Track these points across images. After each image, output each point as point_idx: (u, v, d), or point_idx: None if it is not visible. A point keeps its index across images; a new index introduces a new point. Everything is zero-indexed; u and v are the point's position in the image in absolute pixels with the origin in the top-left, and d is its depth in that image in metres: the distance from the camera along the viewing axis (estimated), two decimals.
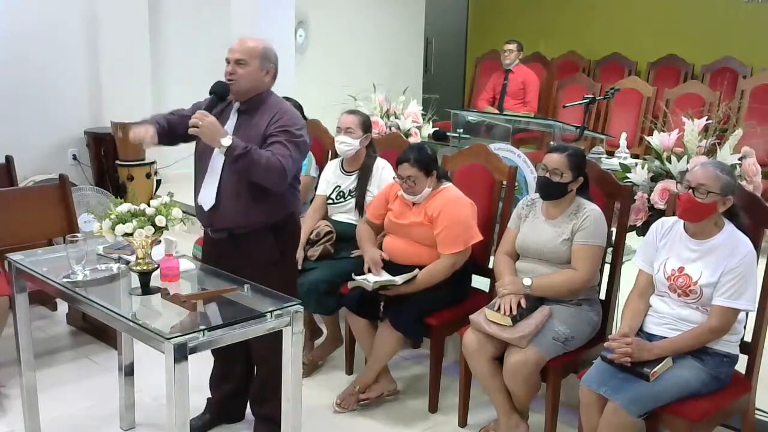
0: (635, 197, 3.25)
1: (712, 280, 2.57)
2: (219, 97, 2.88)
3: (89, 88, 5.77)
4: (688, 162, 3.22)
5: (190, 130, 2.77)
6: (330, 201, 3.78)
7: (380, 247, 3.40)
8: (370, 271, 3.27)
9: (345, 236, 3.65)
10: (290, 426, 2.58)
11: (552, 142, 4.88)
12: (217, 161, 2.86)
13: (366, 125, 3.69)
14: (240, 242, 2.88)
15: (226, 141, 2.72)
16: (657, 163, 3.37)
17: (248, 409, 3.24)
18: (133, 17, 5.80)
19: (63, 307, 4.29)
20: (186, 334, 2.23)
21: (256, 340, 2.76)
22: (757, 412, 2.85)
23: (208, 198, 2.88)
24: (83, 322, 4.11)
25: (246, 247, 2.88)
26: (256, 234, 2.88)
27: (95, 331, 4.02)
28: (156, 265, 2.59)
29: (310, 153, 4.04)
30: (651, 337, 2.68)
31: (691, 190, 2.57)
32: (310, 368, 3.64)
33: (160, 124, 2.93)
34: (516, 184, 3.68)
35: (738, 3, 6.95)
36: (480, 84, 7.79)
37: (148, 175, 5.43)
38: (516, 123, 5.45)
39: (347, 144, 3.66)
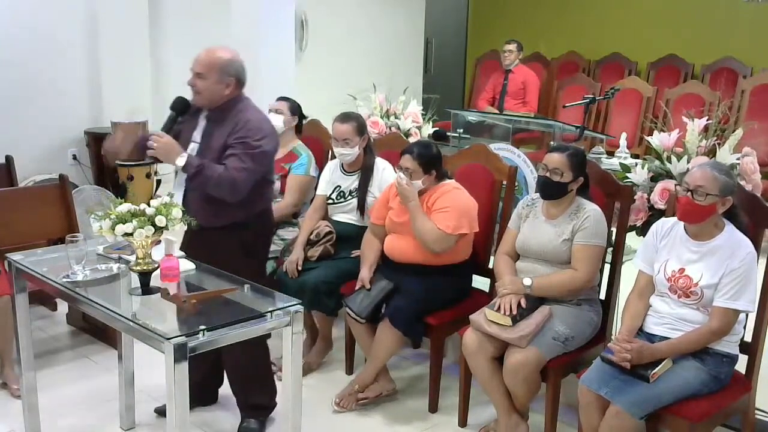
0: (635, 197, 3.25)
1: (712, 282, 2.57)
2: (177, 113, 3.02)
3: (89, 88, 5.76)
4: (688, 162, 3.22)
5: (149, 152, 2.92)
6: (330, 201, 3.78)
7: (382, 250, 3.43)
8: (363, 287, 3.32)
9: (345, 236, 3.65)
10: (290, 426, 2.58)
11: (552, 142, 4.88)
12: None
13: (361, 129, 3.68)
14: (205, 237, 2.95)
15: (180, 161, 2.90)
16: (657, 163, 3.37)
17: (221, 392, 3.36)
18: (133, 17, 5.79)
19: (63, 307, 4.30)
20: (186, 334, 2.23)
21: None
22: (757, 412, 2.85)
23: (178, 193, 3.01)
24: (83, 322, 4.12)
25: (209, 242, 2.95)
26: (217, 232, 2.97)
27: (95, 331, 4.02)
28: (156, 265, 2.59)
29: (310, 153, 4.05)
30: (651, 337, 2.68)
31: (689, 193, 2.57)
32: (305, 371, 3.63)
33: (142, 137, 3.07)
34: (516, 184, 3.68)
35: (738, 3, 6.95)
36: (480, 84, 7.80)
37: (148, 175, 5.36)
38: (516, 123, 5.45)
39: (347, 154, 3.67)
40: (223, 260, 2.84)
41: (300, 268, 3.57)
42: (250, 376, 3.18)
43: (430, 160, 3.27)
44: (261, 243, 3.21)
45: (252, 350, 3.07)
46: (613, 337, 2.71)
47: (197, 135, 3.03)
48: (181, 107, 3.02)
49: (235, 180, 2.88)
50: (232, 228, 2.98)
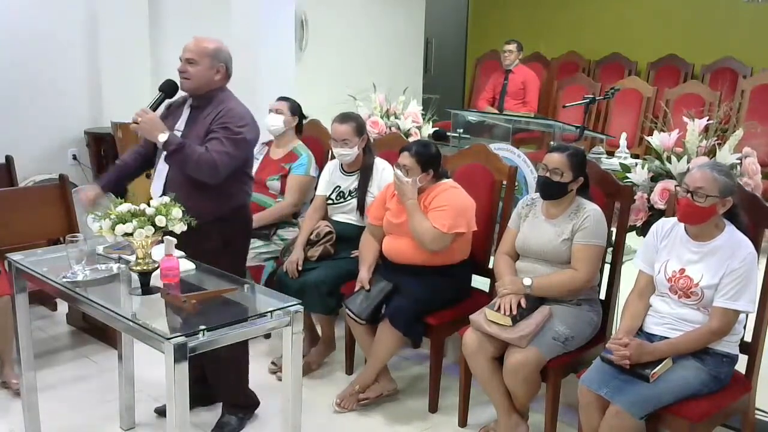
0: (635, 197, 3.25)
1: (713, 282, 2.56)
2: (167, 95, 3.07)
3: (89, 88, 5.76)
4: (688, 162, 3.22)
5: (131, 126, 2.97)
6: (330, 201, 3.77)
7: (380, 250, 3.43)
8: (362, 288, 3.32)
9: (345, 236, 3.65)
10: (290, 426, 2.58)
11: (552, 142, 4.88)
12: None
13: (360, 130, 3.68)
14: (184, 233, 2.86)
15: (162, 137, 2.91)
16: (657, 163, 3.37)
17: None
18: (133, 17, 5.79)
19: (63, 307, 4.30)
20: (186, 334, 2.23)
21: None
22: (757, 412, 2.85)
23: (156, 187, 3.05)
24: (83, 322, 4.12)
25: (191, 235, 2.86)
26: (199, 226, 2.87)
27: (95, 331, 4.02)
28: (156, 265, 2.59)
29: (310, 153, 4.05)
30: (651, 337, 2.68)
31: (689, 194, 2.57)
32: (305, 371, 3.63)
33: (107, 177, 3.23)
34: (516, 184, 3.68)
35: (738, 3, 6.95)
36: (480, 84, 7.80)
37: (148, 175, 5.40)
38: (516, 123, 5.45)
39: (346, 154, 3.67)
40: (203, 255, 2.86)
41: (300, 268, 3.57)
42: (233, 373, 3.19)
43: (428, 159, 3.27)
44: (241, 238, 3.23)
45: (240, 347, 3.07)
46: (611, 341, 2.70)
47: (181, 124, 3.08)
48: (169, 89, 3.07)
49: (215, 162, 2.91)
50: (212, 223, 2.98)
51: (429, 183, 3.30)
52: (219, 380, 3.19)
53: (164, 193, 2.94)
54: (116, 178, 3.23)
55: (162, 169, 3.06)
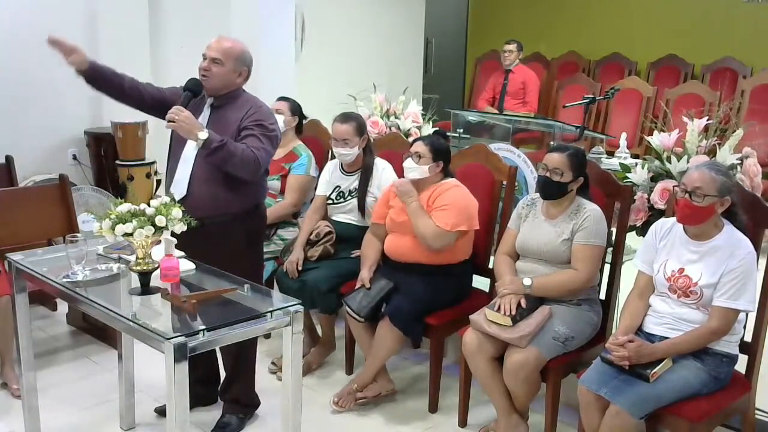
0: (635, 197, 3.25)
1: (712, 281, 2.57)
2: (193, 94, 3.02)
3: (89, 88, 5.75)
4: (688, 162, 3.22)
5: (167, 125, 2.92)
6: (330, 201, 3.77)
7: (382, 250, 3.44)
8: (363, 286, 3.33)
9: (345, 236, 3.65)
10: (290, 426, 2.58)
11: (552, 142, 4.88)
12: (190, 152, 2.99)
13: (361, 129, 3.68)
14: (209, 231, 2.91)
15: (203, 134, 2.86)
16: (657, 163, 3.37)
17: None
18: (133, 17, 5.78)
19: (63, 307, 4.30)
20: (186, 334, 2.23)
21: None
22: (757, 412, 2.85)
23: (180, 187, 3.01)
24: (83, 322, 4.11)
25: (214, 235, 2.95)
26: (224, 223, 2.98)
27: (95, 331, 4.02)
28: (156, 265, 2.59)
29: (310, 153, 4.05)
30: (650, 337, 2.68)
31: (687, 195, 2.57)
32: (305, 371, 3.63)
33: (100, 67, 3.23)
34: (516, 184, 3.68)
35: (738, 3, 6.95)
36: (480, 84, 7.80)
37: (148, 175, 5.42)
38: (516, 123, 5.45)
39: (347, 154, 3.67)
40: (227, 252, 2.88)
41: (300, 268, 3.57)
42: (250, 371, 3.22)
43: (440, 149, 3.32)
44: (261, 233, 3.27)
45: (249, 345, 3.11)
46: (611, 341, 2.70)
47: (201, 122, 3.03)
48: (195, 87, 3.03)
49: (257, 158, 2.92)
50: (234, 218, 3.01)
51: (437, 176, 3.31)
52: (237, 376, 3.20)
53: (189, 188, 2.97)
54: (103, 77, 3.24)
55: (186, 163, 3.01)
